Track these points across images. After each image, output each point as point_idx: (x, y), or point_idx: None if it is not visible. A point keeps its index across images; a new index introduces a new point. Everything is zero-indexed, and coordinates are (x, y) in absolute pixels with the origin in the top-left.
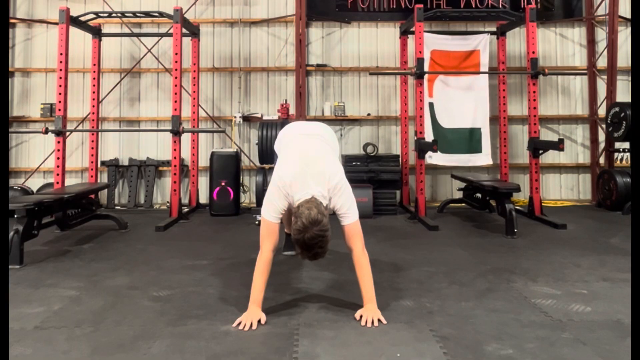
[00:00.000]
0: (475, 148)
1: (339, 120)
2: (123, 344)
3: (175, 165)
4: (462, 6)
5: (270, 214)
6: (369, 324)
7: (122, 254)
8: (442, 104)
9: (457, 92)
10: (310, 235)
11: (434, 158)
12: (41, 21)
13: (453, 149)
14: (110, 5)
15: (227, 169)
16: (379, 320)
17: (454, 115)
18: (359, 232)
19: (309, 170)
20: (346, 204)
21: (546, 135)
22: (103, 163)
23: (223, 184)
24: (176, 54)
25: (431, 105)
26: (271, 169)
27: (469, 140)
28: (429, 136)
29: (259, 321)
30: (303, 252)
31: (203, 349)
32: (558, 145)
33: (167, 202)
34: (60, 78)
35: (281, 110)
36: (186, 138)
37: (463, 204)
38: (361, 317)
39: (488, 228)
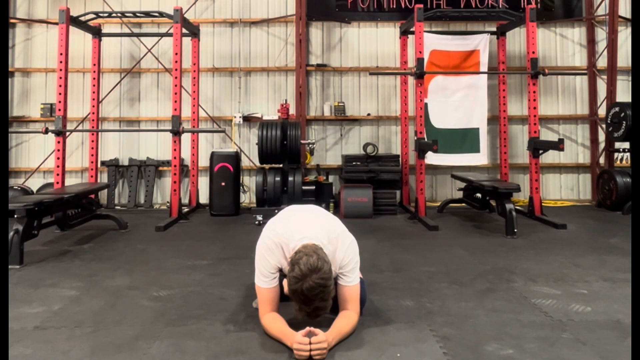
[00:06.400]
0: (472, 148)
1: (339, 120)
2: (123, 344)
3: (175, 165)
4: (462, 6)
5: (262, 276)
6: (314, 347)
7: (122, 254)
8: (437, 104)
9: (455, 92)
10: (309, 285)
11: (429, 158)
12: (41, 21)
13: (448, 148)
14: (110, 5)
15: (227, 169)
16: (325, 348)
17: (449, 115)
18: (358, 296)
19: (307, 219)
20: (353, 260)
21: (546, 135)
22: (103, 163)
23: (223, 184)
24: (176, 54)
25: (425, 105)
26: (271, 169)
27: (464, 140)
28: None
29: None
30: (301, 307)
31: (203, 349)
32: (558, 145)
33: (167, 202)
34: (60, 78)
35: (281, 110)
36: (186, 138)
37: (463, 204)
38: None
39: (488, 228)
